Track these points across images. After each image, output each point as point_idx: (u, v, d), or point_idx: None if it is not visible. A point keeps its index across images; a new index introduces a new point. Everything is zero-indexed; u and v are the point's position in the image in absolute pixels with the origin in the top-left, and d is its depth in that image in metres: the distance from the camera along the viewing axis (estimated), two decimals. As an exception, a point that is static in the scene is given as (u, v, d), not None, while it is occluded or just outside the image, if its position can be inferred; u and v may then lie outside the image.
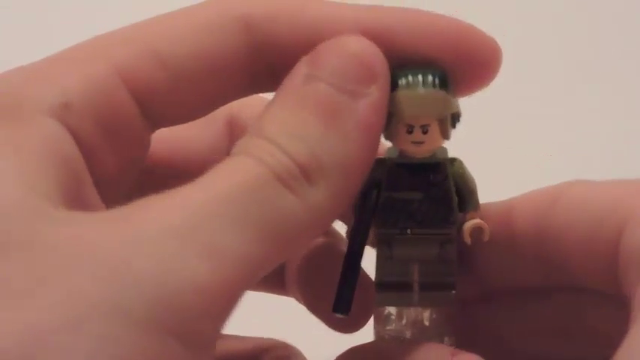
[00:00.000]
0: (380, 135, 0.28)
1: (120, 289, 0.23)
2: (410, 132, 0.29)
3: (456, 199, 0.31)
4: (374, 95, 0.27)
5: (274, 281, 0.36)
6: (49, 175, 0.25)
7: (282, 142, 0.26)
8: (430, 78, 0.29)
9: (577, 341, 0.32)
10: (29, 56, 0.29)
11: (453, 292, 0.31)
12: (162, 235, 0.24)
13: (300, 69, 0.28)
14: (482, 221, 0.31)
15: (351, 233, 0.30)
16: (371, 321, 0.33)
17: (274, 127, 0.27)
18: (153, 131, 0.29)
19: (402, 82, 0.29)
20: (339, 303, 0.30)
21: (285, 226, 0.26)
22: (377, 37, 0.29)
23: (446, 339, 0.32)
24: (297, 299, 0.36)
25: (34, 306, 0.23)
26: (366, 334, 0.33)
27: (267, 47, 0.29)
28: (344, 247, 0.31)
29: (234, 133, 0.35)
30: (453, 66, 0.29)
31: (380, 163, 0.30)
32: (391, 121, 0.29)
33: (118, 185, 0.29)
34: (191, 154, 0.34)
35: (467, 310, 0.33)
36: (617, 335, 0.27)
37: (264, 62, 0.29)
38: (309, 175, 0.26)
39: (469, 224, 0.31)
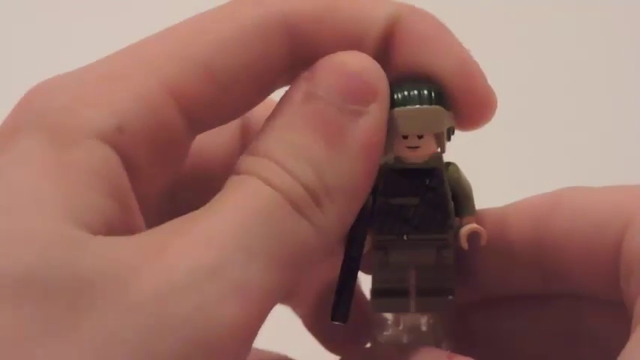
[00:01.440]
0: (381, 153, 0.28)
1: (155, 335, 0.23)
2: (405, 137, 0.29)
3: (452, 203, 0.30)
4: (374, 113, 0.27)
5: None
6: (93, 202, 0.25)
7: (290, 164, 0.26)
8: (426, 93, 0.29)
9: (576, 347, 0.32)
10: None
11: (451, 297, 0.31)
12: (194, 276, 0.24)
13: (300, 86, 0.28)
14: (478, 226, 0.31)
15: (347, 239, 0.30)
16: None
17: (279, 147, 0.27)
18: (193, 139, 0.29)
19: (398, 97, 0.29)
20: (337, 310, 0.29)
21: (300, 253, 0.26)
22: (403, 34, 0.29)
23: (443, 344, 0.32)
24: (297, 315, 0.36)
25: (71, 349, 0.23)
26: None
27: (306, 47, 0.28)
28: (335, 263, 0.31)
29: (246, 135, 0.35)
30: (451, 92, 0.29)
31: (375, 168, 0.30)
32: (387, 135, 0.29)
33: (156, 197, 0.29)
34: (208, 157, 0.34)
35: (465, 316, 0.33)
36: (617, 341, 0.27)
37: (303, 59, 0.28)
38: (318, 200, 0.26)
39: (465, 229, 0.31)
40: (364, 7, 0.29)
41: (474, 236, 0.31)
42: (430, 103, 0.29)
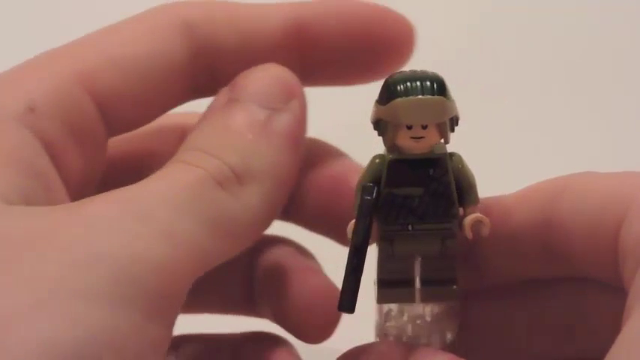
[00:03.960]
0: (304, 144, 0.31)
1: (81, 270, 0.24)
2: (409, 128, 0.29)
3: (456, 193, 0.30)
4: (294, 109, 0.31)
5: (244, 303, 0.36)
6: (7, 176, 0.27)
7: (215, 151, 0.29)
8: (428, 84, 0.29)
9: (580, 336, 0.32)
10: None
11: (455, 287, 0.31)
12: (122, 218, 0.26)
13: (223, 95, 0.31)
14: (482, 215, 0.31)
15: (353, 229, 0.30)
16: (373, 317, 0.33)
17: (207, 140, 0.30)
18: (111, 135, 0.31)
19: (401, 88, 0.29)
20: (344, 300, 0.29)
21: (224, 220, 0.28)
22: (301, 28, 0.33)
23: (448, 335, 0.32)
24: (269, 319, 0.36)
25: None
26: (367, 331, 0.33)
27: (206, 47, 0.32)
28: (305, 259, 0.33)
29: None
30: (370, 46, 0.33)
31: (379, 159, 0.30)
32: (387, 128, 0.29)
33: (83, 188, 0.30)
34: (152, 170, 0.35)
35: (469, 306, 0.33)
36: (620, 329, 0.27)
37: (205, 63, 0.32)
38: (241, 178, 0.29)
39: (469, 218, 0.31)
40: (260, 12, 0.33)
41: (477, 226, 0.31)
42: (432, 94, 0.29)
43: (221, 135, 0.30)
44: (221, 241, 0.28)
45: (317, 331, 0.33)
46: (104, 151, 0.31)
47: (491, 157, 0.45)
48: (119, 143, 0.33)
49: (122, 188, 0.27)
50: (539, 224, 0.31)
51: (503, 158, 0.50)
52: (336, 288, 0.33)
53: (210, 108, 0.31)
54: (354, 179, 0.31)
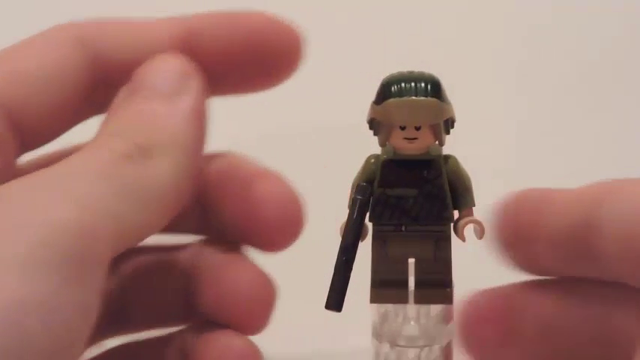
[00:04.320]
0: (206, 119, 0.33)
1: (9, 237, 0.26)
2: (402, 128, 0.29)
3: (449, 195, 0.30)
4: (192, 86, 0.33)
5: (184, 314, 0.36)
6: None
7: (122, 133, 0.31)
8: (422, 85, 0.29)
9: (602, 345, 0.32)
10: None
11: (448, 289, 0.31)
12: (33, 191, 0.27)
13: (123, 91, 0.33)
14: (477, 219, 0.31)
15: (344, 228, 0.30)
16: (369, 318, 0.33)
17: (112, 127, 0.32)
18: (22, 149, 0.33)
19: (395, 89, 0.29)
20: (331, 299, 0.30)
21: (136, 188, 0.29)
22: (188, 41, 0.34)
23: (443, 337, 0.32)
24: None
25: None
26: (366, 330, 0.33)
27: (100, 62, 0.34)
28: (233, 253, 0.34)
29: None
30: (259, 54, 0.34)
31: (374, 159, 0.31)
32: (381, 128, 0.30)
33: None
34: None
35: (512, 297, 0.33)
36: None
37: (101, 78, 0.34)
38: (149, 151, 0.30)
39: (464, 221, 0.31)
40: (149, 25, 0.35)
41: (472, 229, 0.31)
42: (425, 95, 0.29)
43: (125, 120, 0.32)
44: (136, 209, 0.29)
45: (251, 321, 0.33)
46: (14, 166, 0.33)
47: (490, 159, 0.44)
48: (31, 163, 0.35)
49: (32, 173, 0.29)
50: (579, 225, 0.30)
51: (503, 161, 0.50)
52: (266, 275, 0.34)
53: (113, 104, 0.33)
54: (261, 184, 0.33)
